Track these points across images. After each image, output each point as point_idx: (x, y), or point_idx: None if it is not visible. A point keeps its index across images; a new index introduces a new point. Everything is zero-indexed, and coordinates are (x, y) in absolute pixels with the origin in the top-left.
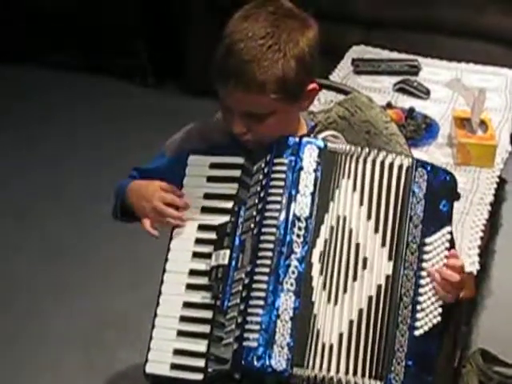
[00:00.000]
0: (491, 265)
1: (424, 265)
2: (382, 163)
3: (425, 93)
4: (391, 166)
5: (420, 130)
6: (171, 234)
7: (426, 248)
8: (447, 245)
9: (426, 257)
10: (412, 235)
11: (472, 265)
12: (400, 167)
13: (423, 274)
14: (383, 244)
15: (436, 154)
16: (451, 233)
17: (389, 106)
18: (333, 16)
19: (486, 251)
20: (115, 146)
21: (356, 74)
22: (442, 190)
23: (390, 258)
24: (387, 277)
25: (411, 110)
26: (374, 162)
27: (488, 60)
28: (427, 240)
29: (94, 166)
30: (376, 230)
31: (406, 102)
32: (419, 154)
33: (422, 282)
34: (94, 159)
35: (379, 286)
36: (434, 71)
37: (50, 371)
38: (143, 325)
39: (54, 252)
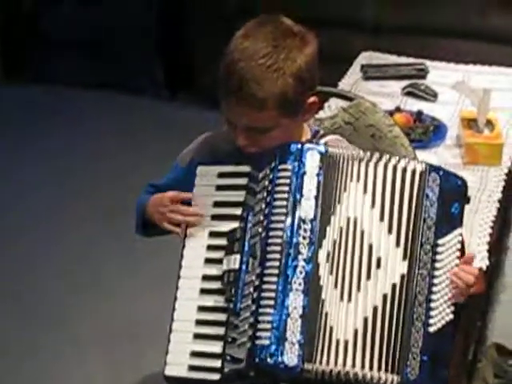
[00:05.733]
0: (505, 261)
1: (437, 265)
2: (395, 167)
3: (432, 95)
4: (404, 170)
5: (428, 132)
6: (183, 241)
7: (439, 249)
8: (459, 246)
9: (438, 257)
10: (426, 236)
11: (481, 261)
12: (413, 172)
13: (436, 273)
14: (397, 244)
15: (445, 154)
16: (461, 235)
17: (398, 109)
18: (340, 23)
19: (499, 248)
20: (129, 160)
21: (365, 80)
22: (453, 194)
23: (404, 258)
24: (402, 276)
25: (419, 113)
26: (385, 166)
27: (494, 60)
28: (440, 241)
29: (107, 179)
30: (390, 231)
31: (414, 105)
32: (428, 155)
33: (436, 281)
34: (108, 172)
35: (394, 285)
36: (441, 74)
37: (76, 372)
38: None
39: (73, 262)
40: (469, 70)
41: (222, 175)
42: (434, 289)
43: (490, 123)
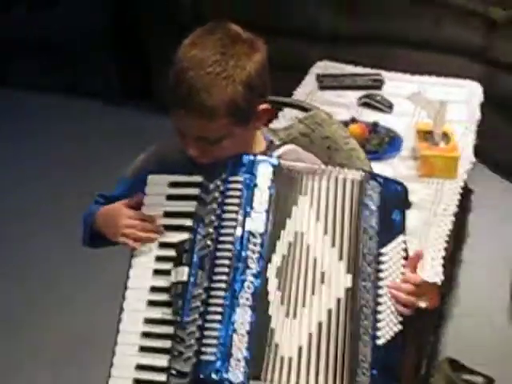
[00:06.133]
0: (458, 274)
1: (381, 275)
2: (336, 179)
3: (388, 106)
4: (344, 181)
5: (384, 143)
6: (132, 251)
7: (382, 258)
8: (403, 253)
9: (382, 267)
10: (368, 247)
11: (436, 275)
12: (352, 181)
13: (381, 284)
14: (340, 258)
15: (400, 166)
16: (405, 242)
17: (353, 120)
18: (297, 33)
19: (452, 261)
20: (83, 167)
21: (321, 90)
22: (393, 201)
23: (348, 271)
24: (347, 289)
25: (375, 124)
26: (328, 178)
27: (450, 72)
28: (383, 250)
29: (61, 187)
30: (333, 245)
31: (370, 116)
32: (383, 167)
33: (381, 292)
34: (62, 179)
35: (338, 299)
36: (397, 85)
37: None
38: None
39: (26, 271)
40: (424, 81)
41: (172, 185)
42: (380, 300)
43: (445, 136)
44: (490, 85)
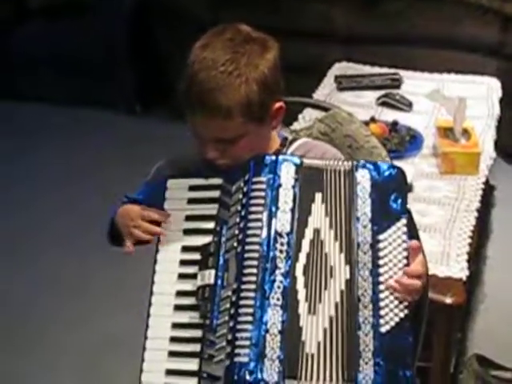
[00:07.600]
0: (484, 270)
1: (380, 262)
2: (335, 171)
3: (407, 105)
4: (339, 172)
5: (404, 142)
6: (155, 256)
7: (381, 245)
8: (404, 237)
9: (381, 253)
10: (362, 236)
11: (461, 271)
12: (345, 172)
13: (381, 271)
14: (341, 250)
15: (421, 164)
16: (409, 224)
17: (372, 120)
18: (314, 34)
19: (477, 257)
20: (104, 177)
21: (339, 91)
22: (389, 186)
23: (346, 262)
24: (346, 281)
25: (395, 123)
26: (331, 171)
27: (468, 69)
28: (380, 237)
29: (83, 197)
30: (336, 238)
31: (389, 115)
32: (405, 165)
33: (381, 279)
34: (84, 190)
35: (342, 292)
36: (415, 83)
37: None
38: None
39: (50, 283)
40: (443, 79)
41: (193, 188)
42: (381, 287)
43: (466, 132)
44: (507, 80)
